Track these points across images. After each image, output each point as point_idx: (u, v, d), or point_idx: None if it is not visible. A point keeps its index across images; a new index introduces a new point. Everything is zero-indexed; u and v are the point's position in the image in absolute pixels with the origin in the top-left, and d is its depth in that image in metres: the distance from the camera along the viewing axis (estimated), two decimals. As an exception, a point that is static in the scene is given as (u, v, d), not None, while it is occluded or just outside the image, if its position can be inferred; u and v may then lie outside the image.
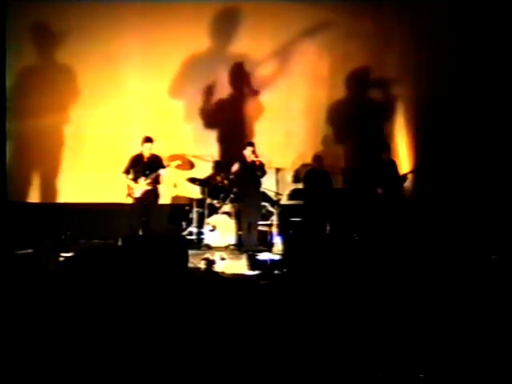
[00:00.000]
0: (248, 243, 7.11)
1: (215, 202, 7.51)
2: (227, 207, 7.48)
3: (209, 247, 7.18)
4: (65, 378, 2.83)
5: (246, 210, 7.23)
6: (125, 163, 7.12)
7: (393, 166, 7.56)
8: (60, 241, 7.64)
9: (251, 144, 7.25)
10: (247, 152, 7.17)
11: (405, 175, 7.55)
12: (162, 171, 6.93)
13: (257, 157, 7.10)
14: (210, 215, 7.38)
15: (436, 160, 7.93)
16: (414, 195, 8.02)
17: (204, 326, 3.63)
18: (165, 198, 7.20)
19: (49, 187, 8.19)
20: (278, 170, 7.66)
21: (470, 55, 7.95)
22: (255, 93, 8.30)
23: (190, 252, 6.36)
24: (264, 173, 7.23)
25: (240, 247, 7.18)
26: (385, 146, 7.67)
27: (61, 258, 5.80)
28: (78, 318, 3.59)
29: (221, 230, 7.32)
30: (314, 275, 5.43)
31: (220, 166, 7.83)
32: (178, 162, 7.06)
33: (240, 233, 7.29)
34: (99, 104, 8.14)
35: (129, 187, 6.98)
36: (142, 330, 3.45)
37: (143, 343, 3.24)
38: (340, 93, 8.29)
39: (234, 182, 7.35)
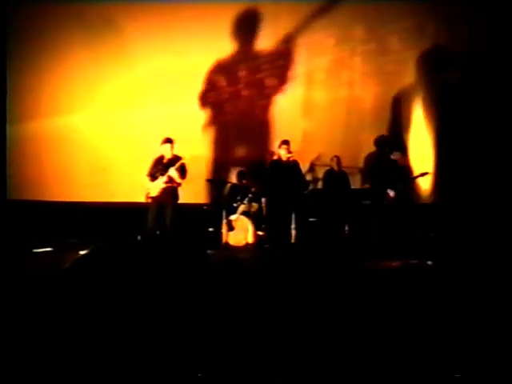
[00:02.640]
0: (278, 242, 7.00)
1: (235, 201, 7.43)
2: (246, 207, 7.37)
3: (228, 246, 7.10)
4: (82, 371, 2.83)
5: (275, 208, 7.07)
6: (141, 162, 6.98)
7: (403, 168, 7.41)
8: (79, 239, 7.50)
9: (286, 142, 7.11)
10: (282, 151, 7.02)
11: (413, 178, 7.31)
12: (171, 172, 6.62)
13: (290, 153, 7.01)
14: (228, 215, 7.29)
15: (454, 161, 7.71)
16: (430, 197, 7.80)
17: (223, 324, 3.56)
18: (184, 197, 6.97)
19: (66, 186, 8.18)
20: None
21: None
22: (273, 93, 8.25)
23: (209, 251, 6.19)
24: (299, 168, 7.10)
25: (262, 246, 7.11)
26: (398, 146, 7.48)
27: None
28: (91, 317, 3.42)
29: (239, 229, 7.20)
30: (333, 276, 5.25)
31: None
32: (182, 161, 6.69)
33: (260, 233, 7.19)
34: (118, 105, 8.20)
35: (148, 188, 6.78)
36: (158, 330, 3.33)
37: (158, 344, 3.15)
38: (360, 92, 8.21)
39: (270, 181, 7.17)
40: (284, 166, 7.02)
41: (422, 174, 7.43)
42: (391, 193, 7.03)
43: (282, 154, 7.02)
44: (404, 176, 7.30)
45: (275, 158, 7.20)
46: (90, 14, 8.08)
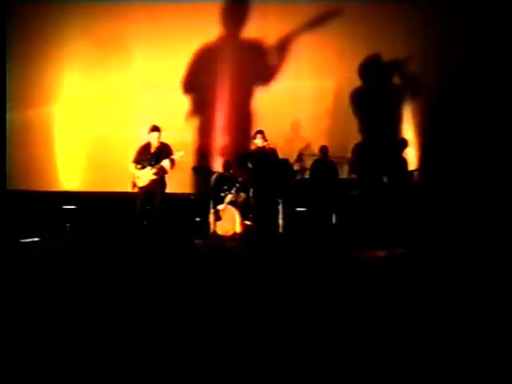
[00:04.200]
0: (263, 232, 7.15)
1: (222, 191, 7.51)
2: (233, 196, 7.43)
3: (215, 236, 7.22)
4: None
5: (262, 198, 7.25)
6: (129, 151, 7.01)
7: (402, 160, 7.52)
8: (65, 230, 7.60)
9: (261, 132, 7.32)
10: (258, 140, 7.23)
11: (413, 171, 7.44)
12: (165, 162, 6.76)
13: (266, 141, 7.19)
14: (215, 205, 7.42)
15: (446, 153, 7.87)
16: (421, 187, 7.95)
17: (215, 317, 3.60)
18: (171, 187, 7.09)
19: (52, 176, 8.30)
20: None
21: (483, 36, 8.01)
22: (262, 82, 8.33)
23: (197, 241, 6.32)
24: (276, 157, 7.25)
25: (250, 236, 7.20)
26: (403, 142, 7.60)
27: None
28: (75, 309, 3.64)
29: (227, 219, 7.32)
30: (320, 266, 5.38)
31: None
32: (181, 154, 6.89)
33: (247, 223, 7.31)
34: (104, 93, 8.28)
35: (134, 176, 6.86)
36: (147, 327, 3.42)
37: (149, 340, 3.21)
38: (348, 82, 8.30)
39: (251, 171, 7.35)
40: (260, 156, 7.16)
41: (415, 170, 7.68)
42: (385, 179, 7.32)
43: (259, 143, 7.22)
44: (403, 169, 7.46)
45: (254, 147, 7.33)
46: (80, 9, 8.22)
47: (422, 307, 3.78)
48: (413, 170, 7.69)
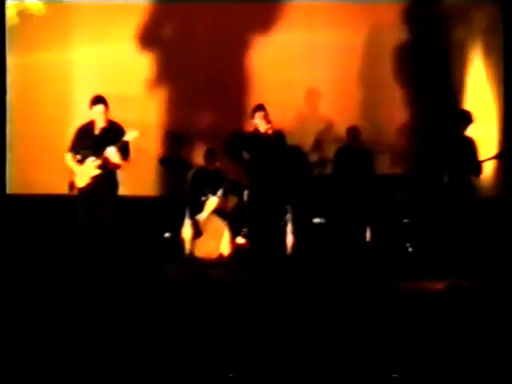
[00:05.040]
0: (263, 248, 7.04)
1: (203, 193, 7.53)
2: (220, 201, 7.54)
3: (194, 260, 7.23)
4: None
5: (262, 204, 7.18)
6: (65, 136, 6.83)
7: (470, 145, 7.19)
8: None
9: (261, 107, 7.10)
10: (257, 120, 7.03)
11: (484, 161, 7.35)
12: (112, 150, 6.42)
13: (269, 123, 7.00)
14: (193, 214, 7.38)
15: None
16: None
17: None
18: (126, 187, 7.00)
19: None
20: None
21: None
22: (261, 34, 8.32)
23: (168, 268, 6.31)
24: (284, 145, 7.14)
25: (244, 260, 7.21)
26: (465, 116, 7.21)
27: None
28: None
29: (210, 234, 7.45)
30: (349, 304, 5.34)
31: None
32: (135, 135, 6.48)
33: (240, 240, 7.35)
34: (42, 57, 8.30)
35: (71, 173, 6.57)
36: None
37: None
38: (385, 33, 8.25)
39: (246, 164, 7.35)
40: (263, 141, 7.09)
41: (498, 156, 7.39)
42: (445, 178, 7.04)
43: (259, 124, 7.07)
44: (474, 157, 7.10)
45: (252, 130, 7.26)
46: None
47: (484, 357, 3.84)
48: (492, 157, 7.29)
